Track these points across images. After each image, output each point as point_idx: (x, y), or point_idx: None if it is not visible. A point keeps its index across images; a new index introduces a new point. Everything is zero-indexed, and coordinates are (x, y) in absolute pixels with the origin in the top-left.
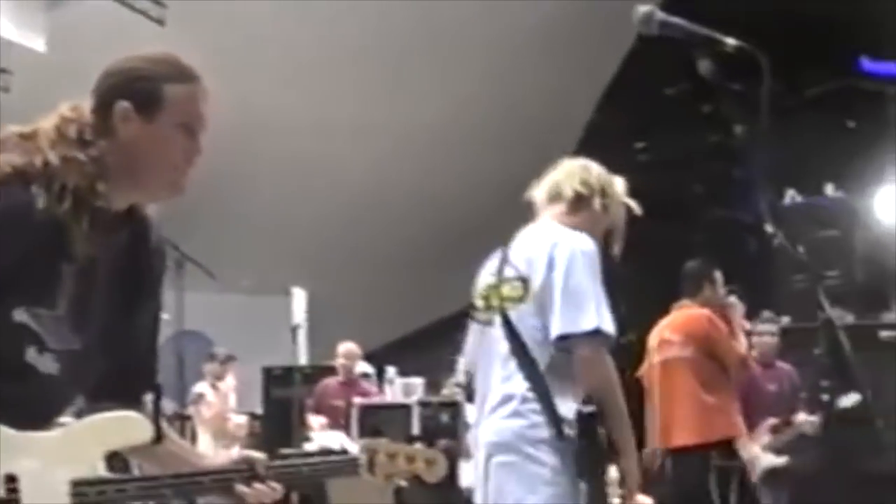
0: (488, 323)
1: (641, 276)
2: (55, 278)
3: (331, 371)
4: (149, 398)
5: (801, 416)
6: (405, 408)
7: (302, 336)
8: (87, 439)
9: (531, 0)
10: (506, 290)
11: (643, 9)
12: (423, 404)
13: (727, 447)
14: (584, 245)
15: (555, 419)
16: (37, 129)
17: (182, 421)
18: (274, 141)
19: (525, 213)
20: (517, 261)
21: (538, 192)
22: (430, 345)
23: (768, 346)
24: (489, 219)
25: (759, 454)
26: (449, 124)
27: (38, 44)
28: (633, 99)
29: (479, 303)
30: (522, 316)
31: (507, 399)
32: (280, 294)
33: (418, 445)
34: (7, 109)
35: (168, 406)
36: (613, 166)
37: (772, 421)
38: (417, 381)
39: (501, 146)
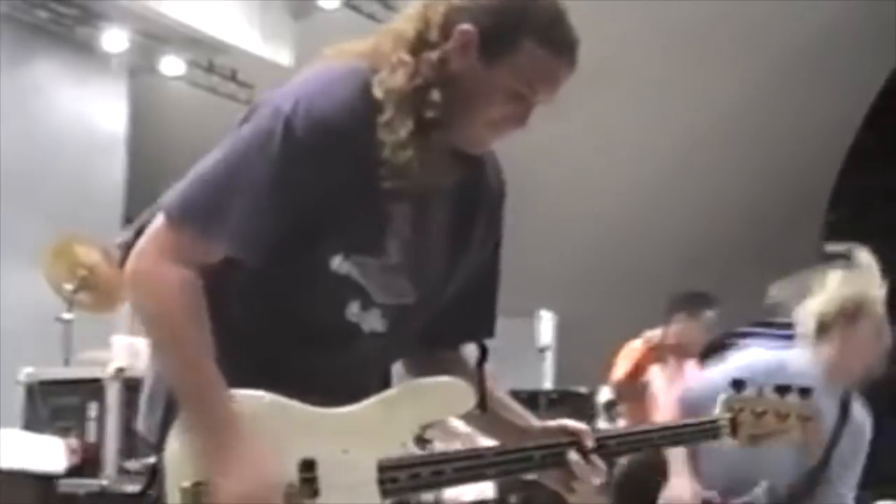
0: None
1: None
2: (384, 220)
3: (577, 397)
4: (472, 360)
5: None
6: None
7: (549, 360)
8: (398, 412)
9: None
10: None
11: None
12: None
13: None
14: None
15: None
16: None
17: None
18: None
19: (781, 242)
20: None
21: None
22: None
23: None
24: (743, 245)
25: None
26: (706, 140)
27: (283, 56)
28: None
29: None
30: None
31: None
32: (526, 316)
33: (792, 398)
34: None
35: None
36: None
37: None
38: None
39: (760, 166)
